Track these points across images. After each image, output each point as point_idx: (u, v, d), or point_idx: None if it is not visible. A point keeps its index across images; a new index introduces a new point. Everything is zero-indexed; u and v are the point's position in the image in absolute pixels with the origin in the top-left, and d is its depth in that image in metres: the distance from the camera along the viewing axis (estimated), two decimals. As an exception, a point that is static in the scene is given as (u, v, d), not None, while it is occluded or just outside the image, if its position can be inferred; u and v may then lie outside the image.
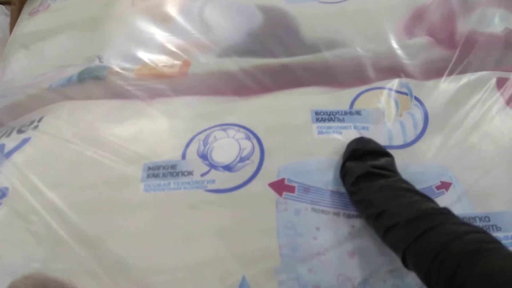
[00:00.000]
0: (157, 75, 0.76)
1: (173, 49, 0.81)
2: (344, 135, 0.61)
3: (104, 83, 0.75)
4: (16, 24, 1.10)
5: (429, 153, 0.59)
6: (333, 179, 0.57)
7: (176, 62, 0.78)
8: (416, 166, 0.58)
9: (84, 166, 0.61)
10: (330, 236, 0.54)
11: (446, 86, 0.68)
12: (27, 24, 1.06)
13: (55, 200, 0.57)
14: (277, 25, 0.85)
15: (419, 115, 0.63)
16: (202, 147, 0.62)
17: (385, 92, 0.66)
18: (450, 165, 0.58)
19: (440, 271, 0.38)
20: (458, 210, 0.54)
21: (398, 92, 0.66)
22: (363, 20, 0.80)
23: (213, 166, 0.60)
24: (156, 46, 0.83)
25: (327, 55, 0.75)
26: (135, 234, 0.54)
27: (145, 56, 0.81)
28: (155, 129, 0.66)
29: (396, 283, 0.51)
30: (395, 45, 0.75)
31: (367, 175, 0.52)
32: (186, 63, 0.77)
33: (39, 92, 0.78)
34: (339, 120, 0.63)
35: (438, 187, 0.56)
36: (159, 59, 0.80)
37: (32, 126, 0.69)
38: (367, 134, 0.61)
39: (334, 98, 0.67)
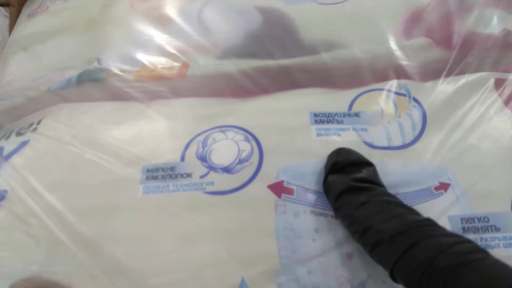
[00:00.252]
0: (156, 77, 0.76)
1: (172, 51, 0.82)
2: (343, 137, 0.61)
3: (103, 85, 0.75)
4: (15, 26, 1.10)
5: (427, 154, 0.59)
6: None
7: (175, 64, 0.78)
8: (414, 167, 0.58)
9: (83, 169, 0.61)
10: (328, 238, 0.54)
11: (444, 87, 0.68)
12: (26, 26, 1.06)
13: (54, 202, 0.57)
14: (276, 26, 0.85)
15: (417, 116, 0.63)
16: (201, 149, 0.62)
17: (384, 93, 0.67)
18: (448, 166, 0.58)
19: (429, 286, 0.39)
20: (457, 210, 0.55)
21: (396, 93, 0.67)
22: (362, 21, 0.80)
23: (212, 168, 0.60)
24: (155, 48, 0.83)
25: (325, 56, 0.75)
26: (134, 236, 0.54)
27: (144, 58, 0.81)
28: (154, 131, 0.66)
29: (394, 284, 0.51)
30: (393, 46, 0.75)
31: (348, 190, 0.52)
32: (185, 65, 0.77)
33: (38, 95, 0.78)
34: (338, 122, 0.63)
35: (436, 188, 0.56)
36: (158, 61, 0.80)
37: (31, 128, 0.69)
38: (366, 136, 0.61)
39: (333, 100, 0.67)
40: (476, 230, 0.54)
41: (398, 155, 0.58)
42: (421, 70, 0.73)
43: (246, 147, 0.62)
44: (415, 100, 0.65)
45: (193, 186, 0.58)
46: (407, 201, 0.55)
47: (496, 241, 0.53)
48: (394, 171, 0.58)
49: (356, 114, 0.64)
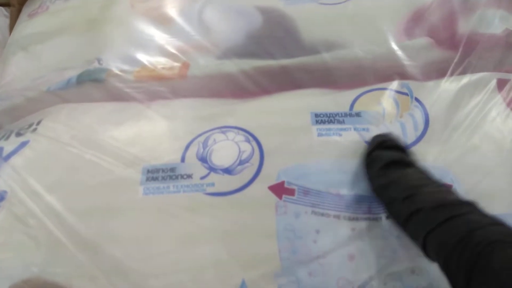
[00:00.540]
0: (156, 77, 0.75)
1: (172, 51, 0.81)
2: (344, 137, 0.61)
3: (103, 86, 0.75)
4: (15, 26, 1.10)
5: (429, 155, 0.59)
6: (333, 182, 0.57)
7: (175, 64, 0.78)
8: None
9: (82, 169, 0.60)
10: (330, 239, 0.53)
11: (447, 87, 0.68)
12: (26, 26, 1.06)
13: (53, 203, 0.56)
14: (277, 26, 0.85)
15: (419, 116, 0.62)
16: (201, 150, 0.62)
17: (385, 93, 0.66)
18: (450, 167, 0.58)
19: (460, 257, 0.38)
20: (459, 212, 0.54)
21: (398, 92, 0.66)
22: (363, 21, 0.79)
23: (212, 169, 0.60)
24: (155, 48, 0.83)
25: (326, 56, 0.75)
26: (134, 237, 0.54)
27: (144, 58, 0.80)
28: (154, 132, 0.66)
29: (396, 285, 0.51)
30: (395, 46, 0.74)
31: (397, 162, 0.53)
32: (185, 65, 0.77)
33: (37, 95, 0.77)
34: (339, 122, 0.63)
35: (439, 190, 0.56)
36: (158, 61, 0.80)
37: (31, 129, 0.69)
38: (367, 136, 0.60)
39: (334, 100, 0.67)
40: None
41: (400, 156, 0.58)
42: (423, 70, 0.72)
43: (246, 148, 0.61)
44: (417, 100, 0.65)
45: (193, 187, 0.58)
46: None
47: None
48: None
49: (358, 114, 0.63)
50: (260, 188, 0.57)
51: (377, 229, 0.54)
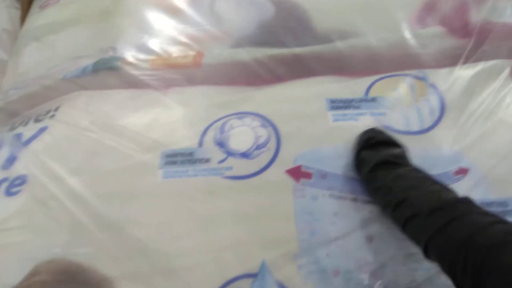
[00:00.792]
0: (172, 65, 0.76)
1: (186, 40, 0.82)
2: (360, 121, 0.61)
3: (118, 74, 0.76)
4: (27, 17, 1.11)
5: (446, 139, 0.59)
6: (350, 165, 0.57)
7: (190, 52, 0.79)
8: (433, 151, 0.58)
9: (102, 154, 0.61)
10: (348, 221, 0.54)
11: (461, 74, 0.68)
12: (38, 17, 1.06)
13: (75, 187, 0.57)
14: (289, 16, 0.85)
15: (435, 101, 0.63)
16: (218, 135, 0.63)
17: (400, 78, 0.67)
18: (467, 151, 0.58)
19: (466, 263, 0.38)
20: (476, 195, 0.54)
21: (413, 78, 0.67)
22: (375, 10, 0.80)
23: (230, 153, 0.60)
24: (169, 37, 0.84)
25: (339, 45, 0.75)
26: (155, 219, 0.55)
27: (158, 47, 0.81)
28: (171, 118, 0.67)
29: (414, 266, 0.51)
30: (408, 34, 0.75)
31: (384, 163, 0.52)
32: (200, 54, 0.78)
33: (53, 83, 0.78)
34: (355, 107, 0.63)
35: (456, 173, 0.56)
36: (172, 50, 0.80)
37: (49, 115, 0.69)
38: (384, 121, 0.61)
39: (349, 87, 0.67)
40: (495, 214, 0.54)
41: (416, 140, 0.58)
42: (436, 58, 0.72)
43: (263, 133, 0.62)
44: (432, 85, 0.65)
45: (211, 171, 0.59)
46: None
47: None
48: (413, 155, 0.57)
49: (373, 99, 0.64)
50: (277, 172, 0.58)
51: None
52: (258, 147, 0.61)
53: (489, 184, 0.56)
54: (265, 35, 0.82)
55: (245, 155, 0.60)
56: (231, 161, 0.60)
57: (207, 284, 0.50)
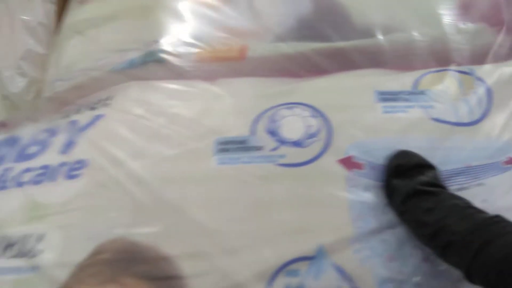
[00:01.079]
0: (217, 58, 0.78)
1: (228, 34, 0.84)
2: (410, 114, 0.62)
3: (165, 65, 0.78)
4: (67, 11, 1.14)
5: (495, 130, 0.60)
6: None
7: (233, 46, 0.81)
8: (482, 142, 0.59)
9: (159, 140, 0.63)
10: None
11: (506, 69, 0.69)
12: (78, 12, 1.09)
13: (136, 170, 0.59)
14: (328, 11, 0.87)
15: (483, 94, 0.64)
16: (269, 124, 0.64)
17: (448, 73, 0.67)
18: (516, 141, 0.59)
19: (508, 285, 0.38)
20: (527, 185, 0.55)
21: (460, 72, 0.68)
22: (417, 4, 0.81)
23: (282, 142, 0.62)
24: (210, 31, 0.86)
25: (382, 39, 0.76)
26: (214, 203, 0.57)
27: (200, 40, 0.83)
28: (221, 107, 0.68)
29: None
30: (450, 30, 0.76)
31: (415, 194, 0.52)
32: (244, 47, 0.80)
33: (102, 74, 0.81)
34: (404, 100, 0.64)
35: (505, 163, 0.57)
36: (215, 44, 0.82)
37: (102, 104, 0.72)
38: (433, 113, 0.62)
39: (396, 80, 0.68)
40: (548, 203, 0.54)
41: (466, 131, 0.59)
42: (479, 54, 0.73)
43: (314, 123, 0.63)
44: (479, 79, 0.66)
45: (265, 158, 0.60)
46: (478, 176, 0.57)
47: None
48: (462, 146, 0.59)
49: (422, 92, 0.65)
50: (330, 161, 0.59)
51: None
52: (310, 136, 0.62)
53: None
54: (305, 30, 0.84)
55: (297, 143, 0.62)
56: (283, 149, 0.61)
57: (266, 264, 0.52)
